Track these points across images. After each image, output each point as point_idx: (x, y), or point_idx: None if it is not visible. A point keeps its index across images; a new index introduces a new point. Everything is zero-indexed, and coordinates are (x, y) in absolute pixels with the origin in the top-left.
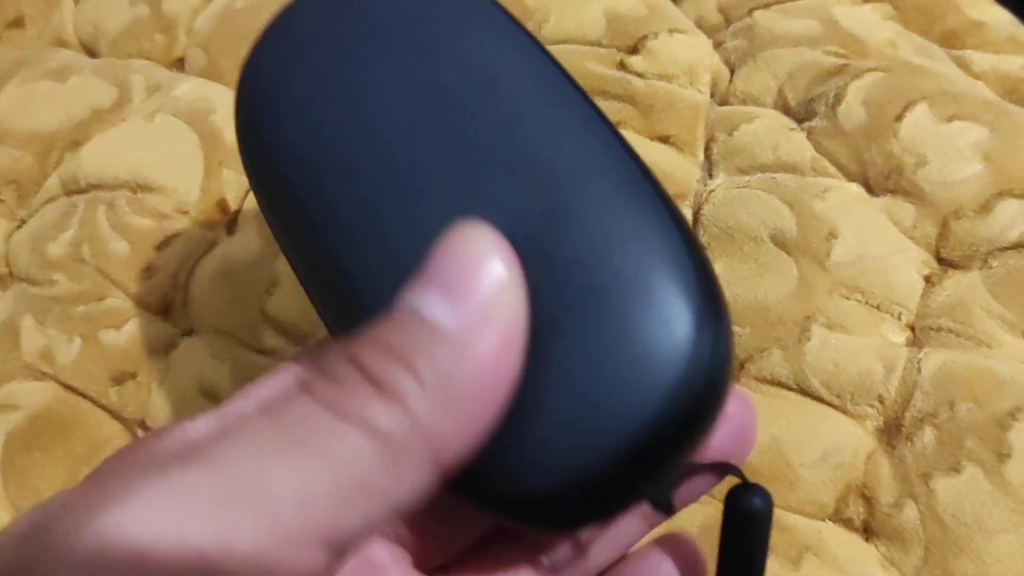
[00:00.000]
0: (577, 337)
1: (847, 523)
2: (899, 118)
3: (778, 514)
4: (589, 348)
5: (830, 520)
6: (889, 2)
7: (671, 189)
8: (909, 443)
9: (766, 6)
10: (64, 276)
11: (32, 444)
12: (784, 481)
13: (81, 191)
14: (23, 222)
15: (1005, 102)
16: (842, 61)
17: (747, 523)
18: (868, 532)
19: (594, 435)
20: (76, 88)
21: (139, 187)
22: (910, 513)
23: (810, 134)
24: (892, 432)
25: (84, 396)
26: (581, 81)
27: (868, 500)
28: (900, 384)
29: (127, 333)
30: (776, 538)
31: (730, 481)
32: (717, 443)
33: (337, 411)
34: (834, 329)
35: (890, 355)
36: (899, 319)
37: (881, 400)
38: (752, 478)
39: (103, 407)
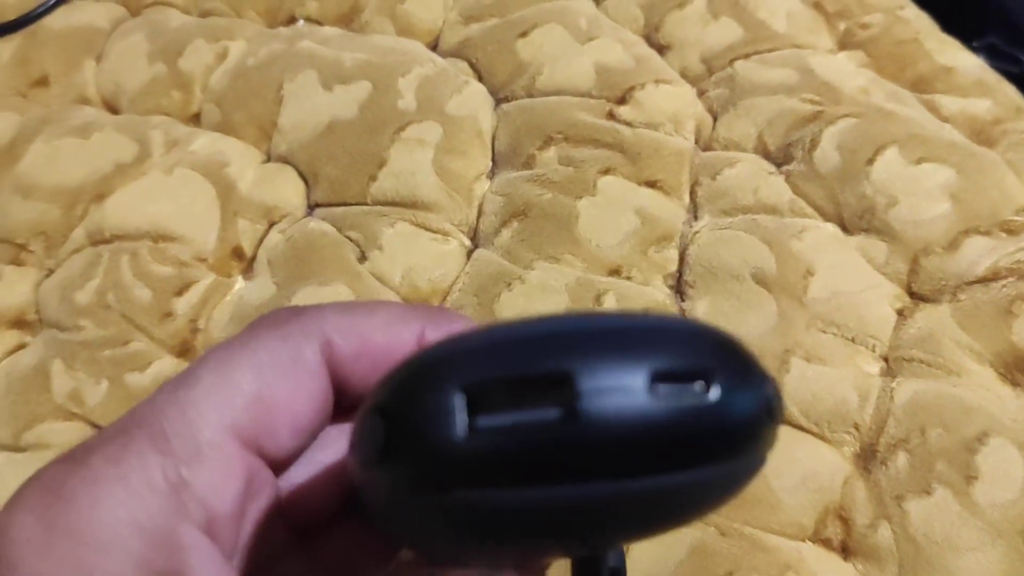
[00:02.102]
0: None
1: (826, 543)
2: (871, 161)
3: (760, 535)
4: None
5: (810, 540)
6: (863, 50)
7: (658, 232)
8: (883, 467)
9: (746, 56)
10: (91, 322)
11: None
12: (766, 504)
13: (106, 242)
14: (51, 271)
15: (972, 144)
16: (817, 108)
17: None
18: (846, 551)
19: None
20: (99, 144)
21: (160, 237)
22: (885, 533)
23: (788, 177)
24: (867, 457)
25: None
26: (572, 131)
27: (845, 521)
28: (874, 412)
29: (151, 375)
30: (759, 558)
31: None
32: None
33: None
34: (812, 361)
35: (865, 385)
36: (873, 351)
37: (857, 427)
38: (737, 504)
39: None
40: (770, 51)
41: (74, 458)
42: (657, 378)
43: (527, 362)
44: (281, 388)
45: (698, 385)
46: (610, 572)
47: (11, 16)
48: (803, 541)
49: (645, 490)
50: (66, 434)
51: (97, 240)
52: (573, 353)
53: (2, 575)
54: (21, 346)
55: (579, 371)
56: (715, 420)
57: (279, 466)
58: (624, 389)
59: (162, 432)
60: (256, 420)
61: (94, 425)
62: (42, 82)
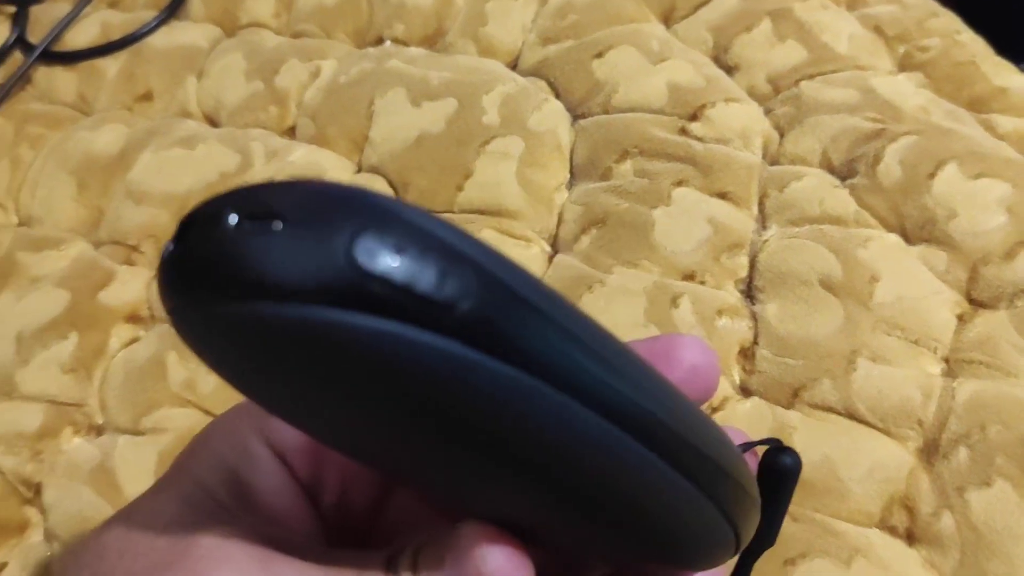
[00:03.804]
0: None
1: (892, 530)
2: (932, 176)
3: (830, 521)
4: None
5: (877, 527)
6: (922, 71)
7: (730, 240)
8: (945, 460)
9: (811, 77)
10: None
11: None
12: (836, 493)
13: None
14: None
15: None
16: (880, 126)
17: (781, 477)
18: (911, 538)
19: None
20: (204, 154)
21: None
22: (947, 521)
23: (852, 190)
24: (930, 451)
25: None
26: (647, 146)
27: (910, 510)
28: (937, 409)
29: None
30: (829, 542)
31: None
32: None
33: None
34: (877, 361)
35: (927, 384)
36: (935, 353)
37: (920, 423)
38: (808, 492)
39: None
40: (833, 72)
41: None
42: (244, 216)
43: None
44: None
45: (276, 224)
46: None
47: (116, 36)
48: (870, 528)
49: (260, 317)
50: (181, 419)
51: None
52: (220, 197)
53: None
54: (135, 339)
55: (199, 212)
56: (269, 255)
57: None
58: (215, 223)
59: None
60: None
61: (207, 412)
62: (146, 97)
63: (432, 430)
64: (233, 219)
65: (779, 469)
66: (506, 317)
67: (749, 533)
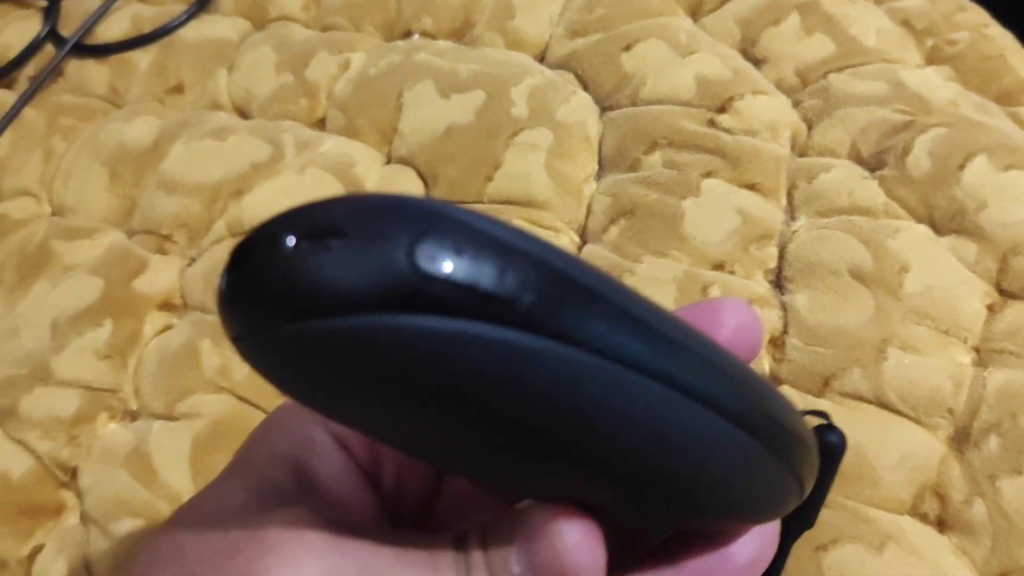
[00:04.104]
0: None
1: (923, 517)
2: (961, 167)
3: (862, 508)
4: None
5: (908, 514)
6: (950, 65)
7: (759, 230)
8: (976, 449)
9: (839, 70)
10: None
11: (215, 446)
12: (867, 480)
13: (244, 234)
14: (193, 260)
15: None
16: (909, 118)
17: (825, 456)
18: (942, 525)
19: None
20: (235, 145)
21: None
22: (979, 509)
23: (881, 182)
24: (961, 440)
25: (257, 407)
26: (676, 137)
27: (941, 497)
28: (967, 398)
29: None
30: (861, 528)
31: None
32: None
33: None
34: (908, 351)
35: (958, 374)
36: (965, 342)
37: (951, 412)
38: (839, 479)
39: None
40: (861, 65)
41: None
42: (302, 236)
43: None
44: None
45: (334, 240)
46: (827, 447)
47: (148, 29)
48: (902, 515)
49: (317, 333)
50: (215, 405)
51: (236, 232)
52: (275, 220)
53: None
54: (168, 327)
55: (256, 237)
56: (332, 271)
57: None
58: (274, 246)
59: None
60: None
61: (240, 398)
62: (177, 89)
63: (507, 420)
64: (291, 240)
65: (824, 448)
66: (568, 304)
67: (811, 481)
